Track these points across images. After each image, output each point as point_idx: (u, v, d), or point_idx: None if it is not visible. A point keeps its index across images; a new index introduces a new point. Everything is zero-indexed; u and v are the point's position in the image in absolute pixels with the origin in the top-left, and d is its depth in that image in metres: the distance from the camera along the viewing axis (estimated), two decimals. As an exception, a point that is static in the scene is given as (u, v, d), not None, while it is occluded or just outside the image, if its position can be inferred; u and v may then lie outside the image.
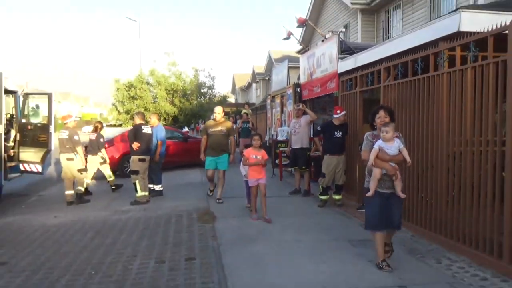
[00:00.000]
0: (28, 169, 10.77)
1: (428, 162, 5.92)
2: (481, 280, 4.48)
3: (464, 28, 5.25)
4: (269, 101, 17.19)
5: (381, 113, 4.86)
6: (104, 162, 10.88)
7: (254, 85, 43.07)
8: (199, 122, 26.73)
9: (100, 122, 12.17)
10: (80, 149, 9.48)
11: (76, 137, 9.43)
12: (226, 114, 22.84)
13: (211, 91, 20.13)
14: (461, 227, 5.26)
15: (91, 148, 10.90)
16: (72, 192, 9.42)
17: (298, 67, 13.31)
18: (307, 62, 12.08)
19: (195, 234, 6.55)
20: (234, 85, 55.09)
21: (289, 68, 14.94)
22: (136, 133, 9.31)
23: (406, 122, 6.48)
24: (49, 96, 11.41)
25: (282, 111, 14.66)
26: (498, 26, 4.65)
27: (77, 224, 7.46)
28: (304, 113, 9.72)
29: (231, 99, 62.51)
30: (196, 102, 18.81)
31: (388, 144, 4.63)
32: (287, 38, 14.28)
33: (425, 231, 6.00)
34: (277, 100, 15.38)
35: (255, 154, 7.26)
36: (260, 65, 39.06)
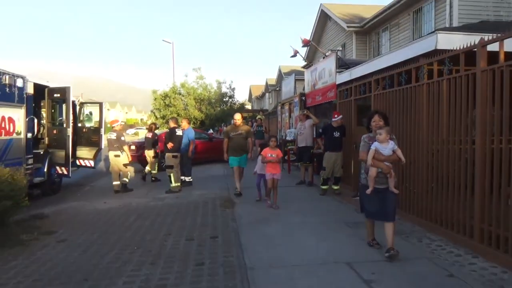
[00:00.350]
0: (83, 164, 10.91)
1: (411, 158, 5.88)
2: (456, 256, 4.44)
3: (440, 46, 5.23)
4: (279, 108, 17.13)
5: (376, 117, 4.58)
6: (155, 156, 11.11)
7: (267, 94, 42.90)
8: (222, 125, 26.79)
9: (155, 124, 12.38)
10: (126, 148, 9.63)
11: (122, 138, 9.59)
12: (243, 118, 22.89)
13: (232, 100, 20.10)
14: (439, 212, 5.22)
15: (147, 144, 11.15)
16: (118, 182, 9.55)
17: (303, 80, 13.27)
18: (311, 75, 12.05)
19: (218, 217, 6.60)
20: (250, 94, 55.02)
21: (295, 80, 14.89)
22: (171, 135, 9.45)
23: (393, 124, 6.42)
24: (100, 105, 11.60)
25: (290, 116, 14.62)
26: (468, 45, 4.61)
27: (123, 209, 7.57)
28: (308, 117, 9.71)
29: (248, 106, 62.38)
30: (219, 109, 18.79)
31: (383, 145, 4.36)
32: (294, 56, 14.24)
33: (409, 215, 5.95)
34: (286, 107, 15.33)
35: (271, 153, 7.22)
36: (272, 77, 38.93)
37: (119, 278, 4.06)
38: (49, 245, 5.35)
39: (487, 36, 4.40)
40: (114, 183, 9.52)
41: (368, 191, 4.43)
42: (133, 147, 13.98)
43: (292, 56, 14.26)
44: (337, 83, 9.44)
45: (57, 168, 9.79)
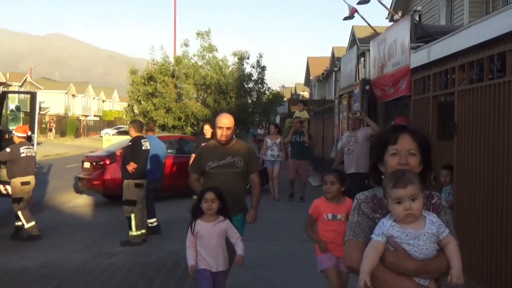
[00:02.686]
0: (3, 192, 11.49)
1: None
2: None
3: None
4: (336, 102, 17.17)
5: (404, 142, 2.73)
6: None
7: (334, 74, 42.80)
8: (252, 127, 27.26)
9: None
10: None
11: None
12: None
13: (259, 87, 19.90)
14: None
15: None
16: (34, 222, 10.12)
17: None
18: (378, 50, 12.17)
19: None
20: (308, 73, 55.08)
21: (360, 55, 14.94)
22: (134, 149, 9.71)
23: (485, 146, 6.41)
24: (32, 95, 12.54)
25: (349, 116, 14.52)
26: None
27: (43, 270, 8.06)
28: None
29: (305, 93, 62.60)
30: (235, 101, 18.61)
31: (409, 228, 2.56)
32: (350, 17, 14.40)
33: None
34: (344, 102, 15.34)
35: (332, 212, 5.24)
36: (342, 45, 39.00)
37: None
38: None
39: None
40: (30, 224, 9.97)
41: None
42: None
43: (345, 18, 14.41)
44: (411, 67, 9.46)
45: None
